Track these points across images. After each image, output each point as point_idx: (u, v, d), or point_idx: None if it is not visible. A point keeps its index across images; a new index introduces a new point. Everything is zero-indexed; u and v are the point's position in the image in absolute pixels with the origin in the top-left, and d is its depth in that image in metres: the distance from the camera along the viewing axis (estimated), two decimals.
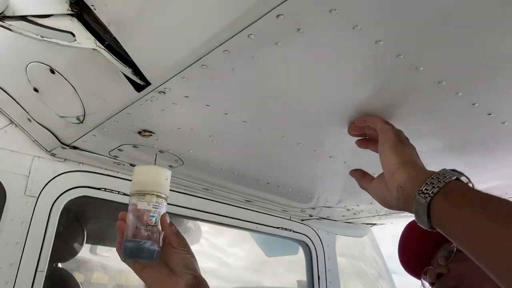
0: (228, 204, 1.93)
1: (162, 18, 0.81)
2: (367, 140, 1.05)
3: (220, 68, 0.86)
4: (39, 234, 1.46)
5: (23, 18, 0.85)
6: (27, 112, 1.42)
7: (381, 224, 2.52)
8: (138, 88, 1.00)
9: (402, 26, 0.69)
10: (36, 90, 1.28)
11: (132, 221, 1.10)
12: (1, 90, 1.40)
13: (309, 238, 2.29)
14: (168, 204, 1.62)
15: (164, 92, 0.99)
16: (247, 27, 0.72)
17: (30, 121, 1.44)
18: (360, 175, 1.06)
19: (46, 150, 1.52)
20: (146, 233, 1.09)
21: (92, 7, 0.90)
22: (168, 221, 1.13)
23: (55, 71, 1.15)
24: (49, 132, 1.42)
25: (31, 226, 1.45)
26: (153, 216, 1.11)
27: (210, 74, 0.89)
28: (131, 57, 0.94)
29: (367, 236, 2.69)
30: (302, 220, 2.26)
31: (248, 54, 0.80)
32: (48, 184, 1.51)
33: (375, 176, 1.01)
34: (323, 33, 0.72)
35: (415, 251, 1.31)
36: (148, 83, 0.97)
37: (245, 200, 1.92)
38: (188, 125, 1.16)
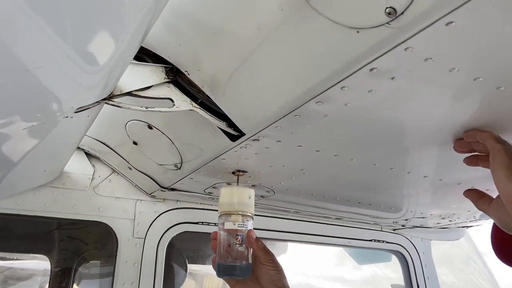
0: (319, 223, 1.95)
1: (255, 78, 0.86)
2: (477, 157, 0.97)
3: (313, 116, 0.88)
4: (150, 272, 1.57)
5: (129, 94, 0.94)
6: (127, 162, 1.54)
7: (477, 225, 2.41)
8: (233, 138, 1.06)
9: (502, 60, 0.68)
10: (135, 143, 1.38)
11: (222, 241, 1.18)
12: (103, 144, 1.53)
13: (403, 247, 2.24)
14: (261, 229, 1.68)
15: (258, 140, 1.03)
16: (341, 81, 0.74)
17: (131, 169, 1.56)
18: (477, 197, 1.00)
19: (147, 193, 1.64)
20: (234, 252, 1.17)
21: (186, 73, 0.97)
22: (254, 237, 1.19)
23: (153, 127, 1.24)
24: (149, 178, 1.53)
25: (142, 266, 1.56)
26: (239, 235, 1.18)
27: (303, 122, 0.91)
28: (225, 112, 1.00)
29: (463, 238, 2.58)
30: (394, 230, 2.22)
31: (341, 102, 0.82)
32: (152, 224, 1.63)
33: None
34: (417, 78, 0.72)
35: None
36: (242, 134, 1.02)
37: (336, 218, 1.93)
38: (280, 163, 1.20)
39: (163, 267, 1.59)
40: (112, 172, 1.64)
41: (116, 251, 1.54)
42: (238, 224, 1.19)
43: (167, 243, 1.63)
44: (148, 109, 0.96)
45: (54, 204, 1.50)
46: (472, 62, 0.67)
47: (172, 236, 1.66)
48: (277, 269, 1.18)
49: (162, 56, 0.96)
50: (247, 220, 1.21)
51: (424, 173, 1.23)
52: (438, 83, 0.74)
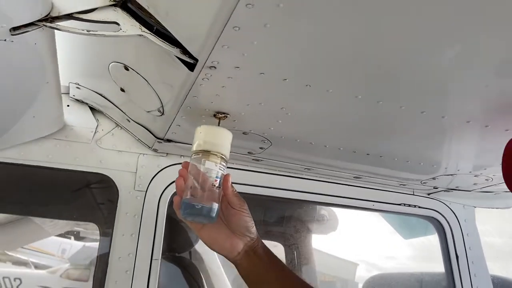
0: (334, 183, 1.82)
1: None
2: None
3: (252, 26, 0.79)
4: (151, 225, 1.56)
5: (70, 16, 0.90)
6: (125, 114, 1.53)
7: None
8: (190, 67, 0.99)
9: None
10: (122, 90, 1.36)
11: (194, 180, 1.09)
12: (104, 98, 1.53)
13: (441, 214, 2.04)
14: (269, 187, 1.60)
15: (214, 67, 0.95)
16: None
17: (129, 122, 1.55)
18: None
19: (149, 147, 1.62)
20: (207, 194, 1.09)
21: None
22: (231, 181, 1.12)
23: (128, 68, 1.20)
24: (145, 129, 1.51)
25: (142, 219, 1.55)
26: (217, 177, 1.10)
27: (246, 36, 0.82)
28: (175, 36, 0.93)
29: None
30: (428, 194, 2.02)
31: (274, 2, 0.72)
32: (154, 178, 1.61)
33: None
34: None
35: None
36: (196, 60, 0.95)
37: (354, 177, 1.79)
38: (254, 99, 1.11)
39: (164, 221, 1.57)
40: (116, 126, 1.64)
41: (117, 202, 1.55)
42: (219, 167, 1.12)
43: (169, 198, 1.60)
44: (90, 32, 0.91)
45: (56, 155, 1.53)
46: None
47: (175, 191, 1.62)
48: (250, 216, 1.15)
49: None
50: (225, 165, 1.14)
51: (467, 119, 1.07)
52: None
